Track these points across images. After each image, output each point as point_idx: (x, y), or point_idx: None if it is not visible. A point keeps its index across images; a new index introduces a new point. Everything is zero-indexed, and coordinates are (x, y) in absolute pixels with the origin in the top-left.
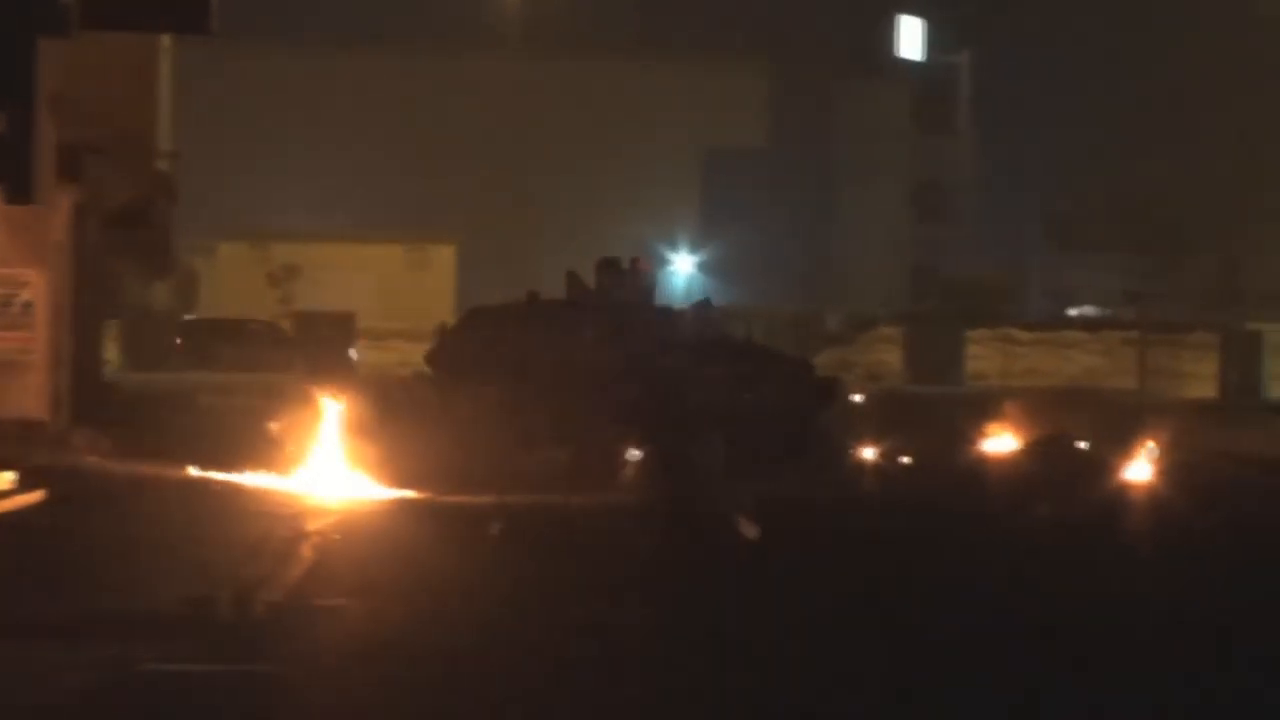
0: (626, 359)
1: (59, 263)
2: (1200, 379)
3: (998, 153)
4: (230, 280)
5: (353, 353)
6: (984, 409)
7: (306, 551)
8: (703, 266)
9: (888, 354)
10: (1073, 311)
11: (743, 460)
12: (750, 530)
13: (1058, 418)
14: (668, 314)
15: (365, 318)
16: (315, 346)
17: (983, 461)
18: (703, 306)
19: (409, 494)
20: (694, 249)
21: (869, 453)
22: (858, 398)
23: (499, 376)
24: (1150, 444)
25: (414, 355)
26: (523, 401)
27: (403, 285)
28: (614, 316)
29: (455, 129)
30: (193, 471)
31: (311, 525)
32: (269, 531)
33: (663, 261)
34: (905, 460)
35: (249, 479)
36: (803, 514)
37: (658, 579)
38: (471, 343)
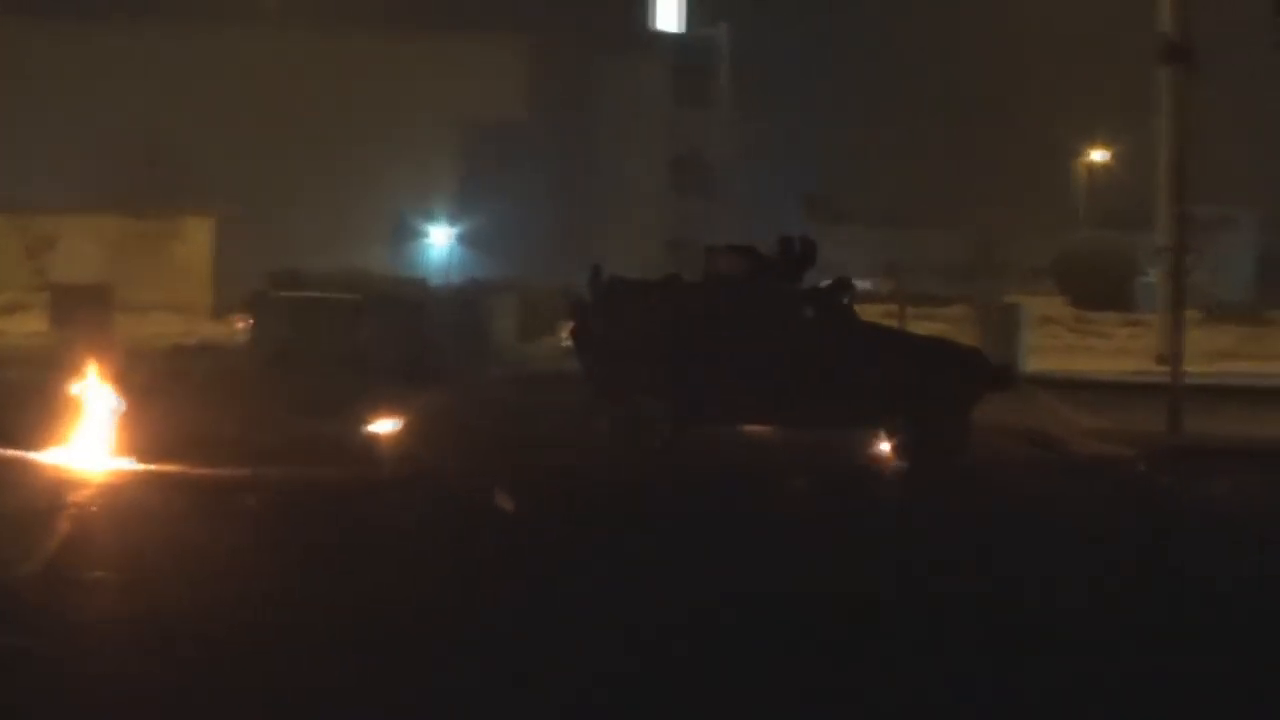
0: (828, 343)
1: None
2: None
3: (758, 127)
4: None
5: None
6: None
7: (63, 524)
8: (461, 238)
9: None
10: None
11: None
12: (505, 502)
13: None
14: (824, 295)
15: (123, 289)
16: (72, 318)
17: None
18: (845, 287)
19: (170, 467)
20: (452, 221)
21: None
22: None
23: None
24: None
25: (172, 325)
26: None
27: (160, 257)
28: (787, 299)
29: (212, 102)
30: None
31: (68, 497)
32: (25, 504)
33: (421, 234)
34: None
35: (5, 452)
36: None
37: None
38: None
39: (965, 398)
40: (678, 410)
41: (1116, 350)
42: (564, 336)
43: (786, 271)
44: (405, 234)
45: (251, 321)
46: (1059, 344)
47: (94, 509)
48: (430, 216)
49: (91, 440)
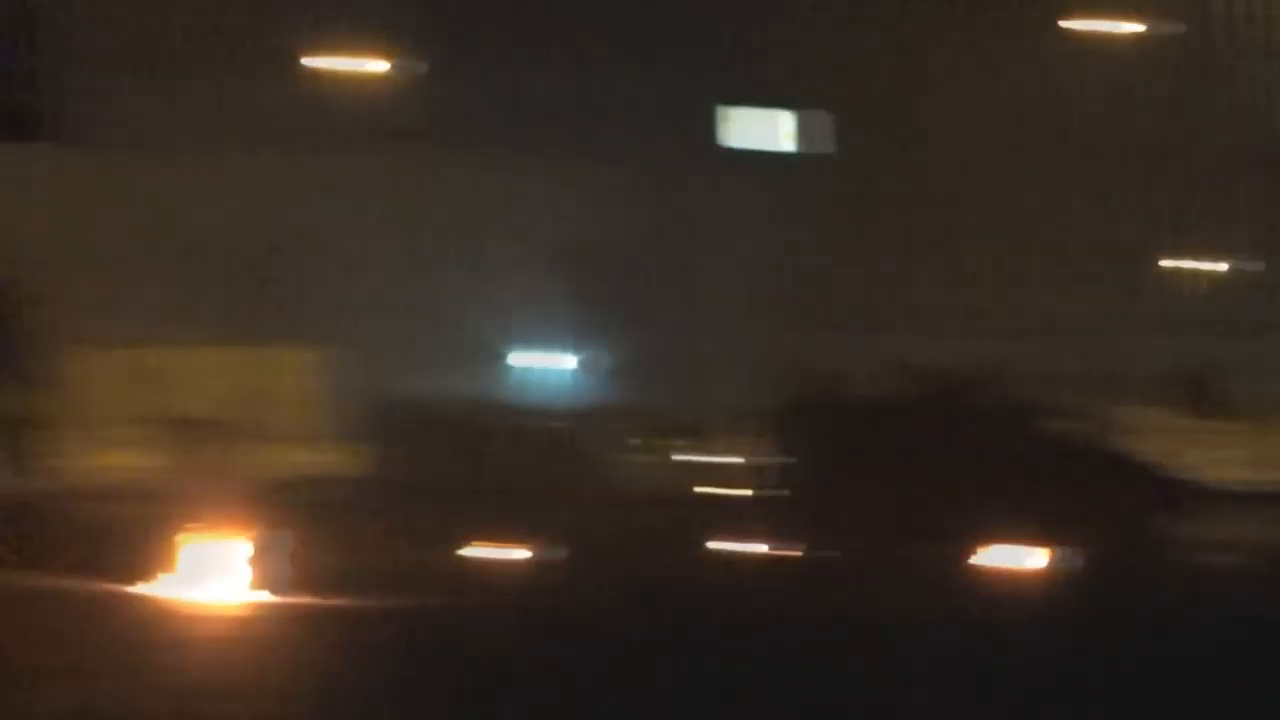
0: None
1: None
2: None
3: (857, 246)
4: (95, 386)
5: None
6: None
7: (182, 658)
8: (572, 364)
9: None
10: None
11: None
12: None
13: None
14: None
15: (237, 421)
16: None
17: None
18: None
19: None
20: (562, 348)
21: None
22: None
23: None
24: None
25: (283, 457)
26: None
27: (269, 389)
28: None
29: (311, 230)
30: (61, 580)
31: (189, 630)
32: (142, 639)
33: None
34: None
35: (116, 588)
36: None
37: None
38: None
39: None
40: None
41: None
42: None
43: None
44: (507, 360)
45: (357, 452)
46: None
47: (201, 643)
48: (540, 342)
49: (208, 573)
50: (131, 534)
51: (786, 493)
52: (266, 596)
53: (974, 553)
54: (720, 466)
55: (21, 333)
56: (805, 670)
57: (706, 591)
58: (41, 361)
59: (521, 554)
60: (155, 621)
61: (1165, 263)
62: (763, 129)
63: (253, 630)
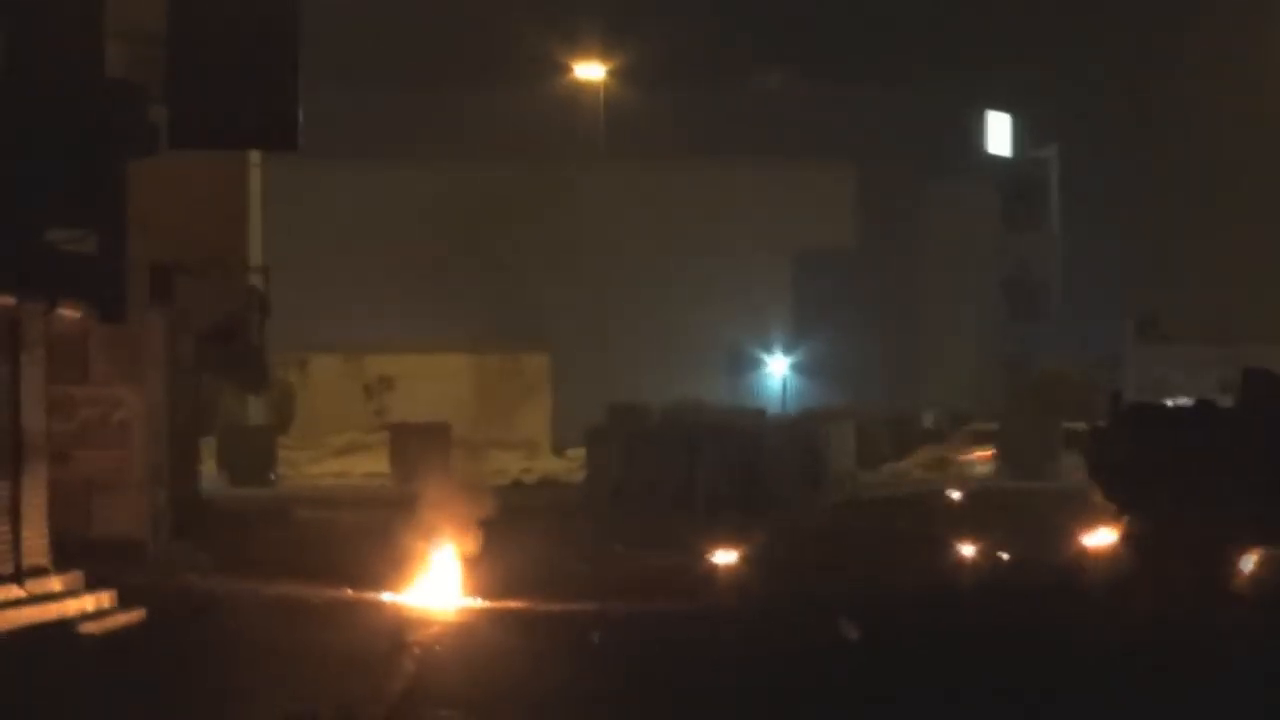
0: None
1: (153, 380)
2: None
3: (1087, 248)
4: (324, 394)
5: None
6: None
7: (408, 664)
8: (795, 367)
9: (983, 451)
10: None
11: None
12: (851, 630)
13: None
14: None
15: (462, 428)
16: (412, 457)
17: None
18: None
19: (514, 604)
20: (786, 350)
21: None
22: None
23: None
24: None
25: (510, 463)
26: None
27: (499, 395)
28: None
29: (541, 237)
30: (293, 587)
31: (413, 636)
32: (370, 645)
33: (758, 364)
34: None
35: (350, 593)
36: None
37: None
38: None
39: None
40: (1215, 536)
41: None
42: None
43: None
44: (741, 364)
45: (587, 457)
46: None
47: (438, 648)
48: (765, 345)
49: (436, 579)
50: (360, 540)
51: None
52: (489, 601)
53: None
54: (947, 466)
55: (255, 342)
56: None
57: (926, 594)
58: (275, 371)
59: (741, 558)
60: (381, 627)
61: None
62: (998, 132)
63: (475, 635)
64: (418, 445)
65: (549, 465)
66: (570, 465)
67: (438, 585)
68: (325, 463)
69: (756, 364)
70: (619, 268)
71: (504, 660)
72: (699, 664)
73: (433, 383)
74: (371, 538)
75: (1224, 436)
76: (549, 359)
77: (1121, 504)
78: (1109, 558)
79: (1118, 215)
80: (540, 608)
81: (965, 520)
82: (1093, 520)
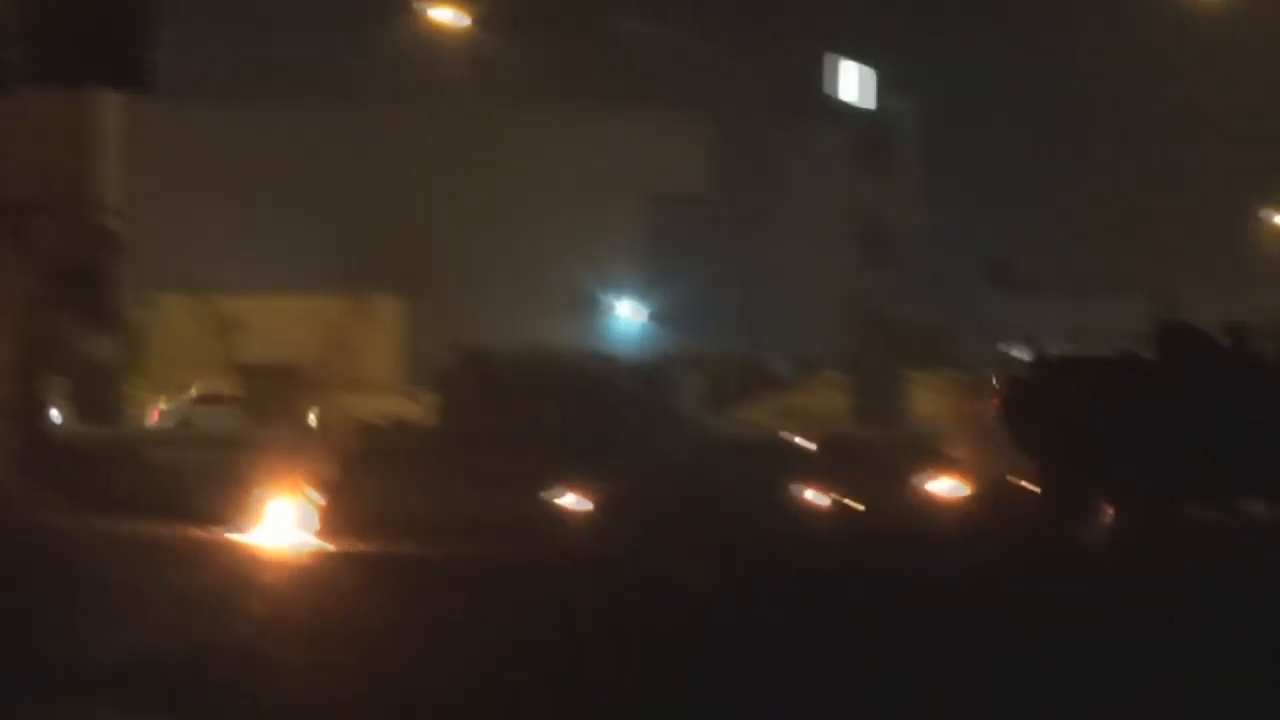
0: None
1: (2, 319)
2: None
3: (940, 198)
4: (176, 334)
5: (311, 418)
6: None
7: (258, 606)
8: (651, 313)
9: (833, 398)
10: (1023, 353)
11: None
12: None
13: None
14: None
15: (311, 370)
16: (263, 400)
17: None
18: None
19: (363, 547)
20: (640, 295)
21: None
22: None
23: None
24: None
25: (361, 406)
26: None
27: (350, 337)
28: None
29: (396, 180)
30: (143, 527)
31: (263, 578)
32: (220, 586)
33: (608, 308)
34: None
35: (200, 534)
36: None
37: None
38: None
39: None
40: (1149, 494)
41: None
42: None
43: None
44: (594, 309)
45: (437, 400)
46: None
47: (288, 590)
48: (617, 291)
49: (286, 521)
50: (211, 481)
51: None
52: (340, 544)
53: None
54: (795, 414)
55: (108, 281)
56: (870, 624)
57: (778, 540)
58: (126, 310)
59: (591, 502)
60: (232, 567)
61: None
62: (852, 81)
63: (324, 577)
64: (268, 387)
65: (401, 408)
66: (423, 409)
67: (288, 527)
68: (176, 402)
69: (609, 309)
70: (475, 212)
71: (351, 603)
72: (545, 609)
73: (284, 324)
74: (222, 479)
75: (1149, 390)
76: (402, 301)
77: (1041, 458)
78: (957, 507)
79: (974, 166)
80: (390, 551)
81: (814, 468)
82: (940, 469)
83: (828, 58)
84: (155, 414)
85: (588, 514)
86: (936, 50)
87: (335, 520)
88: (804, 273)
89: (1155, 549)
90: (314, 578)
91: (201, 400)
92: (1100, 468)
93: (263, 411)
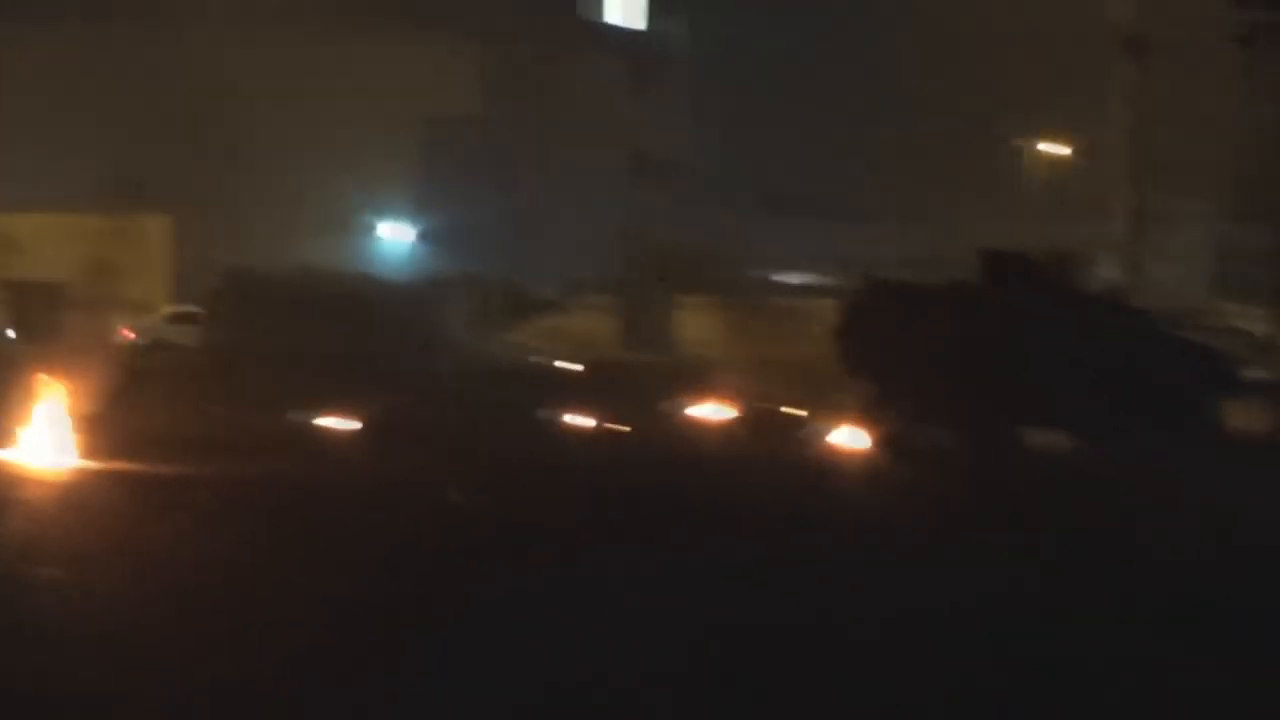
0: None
1: None
2: None
3: (714, 121)
4: None
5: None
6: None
7: (16, 521)
8: (419, 234)
9: (600, 323)
10: (791, 280)
11: None
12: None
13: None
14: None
15: (81, 288)
16: (30, 317)
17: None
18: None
19: (121, 465)
20: (411, 218)
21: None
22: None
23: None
24: None
25: (125, 326)
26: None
27: (119, 256)
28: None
29: (165, 98)
30: None
31: (21, 494)
32: None
33: (373, 229)
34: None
35: None
36: None
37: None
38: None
39: None
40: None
41: None
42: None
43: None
44: (362, 231)
45: (203, 320)
46: None
47: (45, 506)
48: (388, 213)
49: (47, 439)
50: None
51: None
52: (102, 462)
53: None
54: (562, 338)
55: None
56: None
57: (540, 462)
58: None
59: (352, 422)
60: None
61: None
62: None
63: (83, 495)
64: (34, 304)
65: (166, 328)
66: (185, 330)
67: (48, 444)
68: None
69: (379, 231)
70: (246, 133)
71: (109, 520)
72: (308, 528)
73: (54, 243)
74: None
75: (979, 317)
76: (170, 220)
77: (879, 383)
78: (721, 429)
79: (750, 91)
80: (149, 470)
81: (579, 391)
82: (703, 393)
83: None
84: None
85: (352, 434)
86: None
87: (98, 439)
88: (574, 197)
89: (996, 473)
90: (76, 496)
91: None
92: (940, 393)
93: (29, 329)
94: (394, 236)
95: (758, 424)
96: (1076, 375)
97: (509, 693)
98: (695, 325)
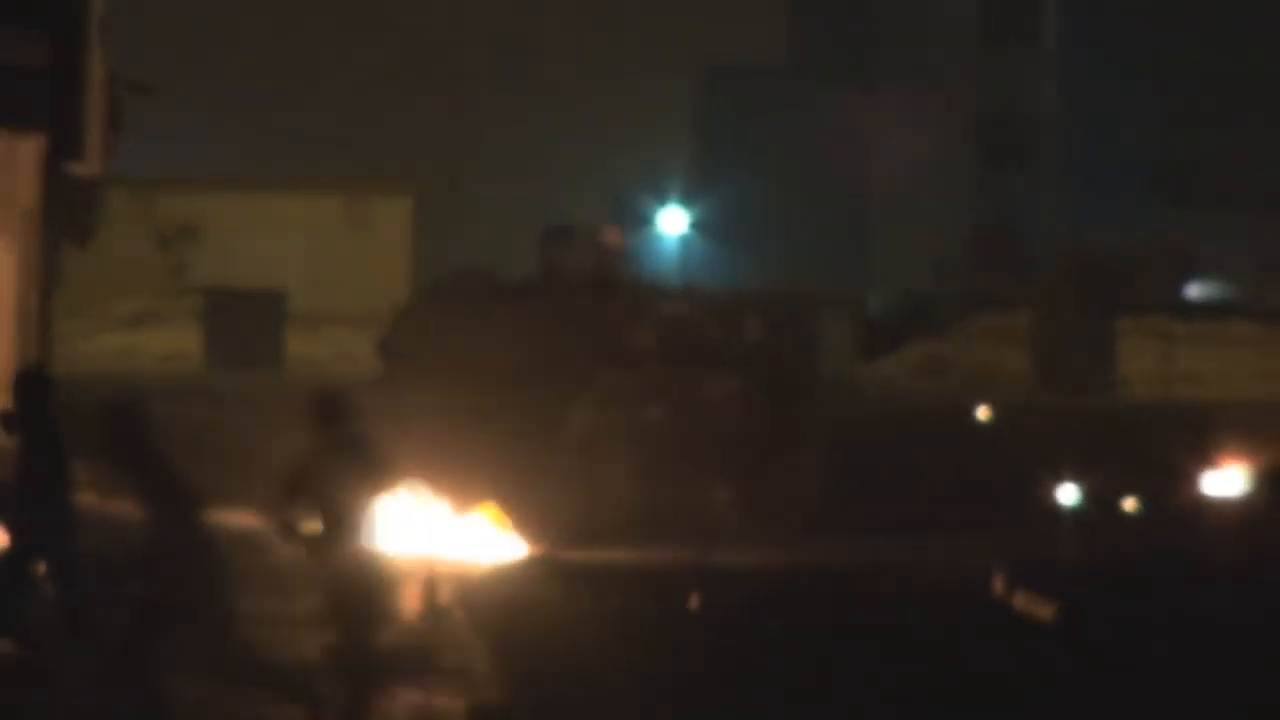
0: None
1: None
2: None
3: (1093, 76)
4: (104, 244)
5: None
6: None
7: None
8: (698, 226)
9: (995, 351)
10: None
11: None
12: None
13: None
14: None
15: (293, 296)
16: (232, 334)
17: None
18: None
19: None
20: (688, 201)
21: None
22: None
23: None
24: None
25: (358, 346)
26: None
27: (340, 251)
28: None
29: (399, 54)
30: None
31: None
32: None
33: (648, 220)
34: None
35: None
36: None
37: None
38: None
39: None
40: None
41: None
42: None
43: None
44: (627, 220)
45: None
46: None
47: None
48: (659, 197)
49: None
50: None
51: None
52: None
53: None
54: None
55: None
56: None
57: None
58: None
59: None
60: None
61: None
62: None
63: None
64: (239, 319)
65: None
66: None
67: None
68: (105, 337)
69: (647, 220)
70: (490, 92)
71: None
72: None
73: (252, 233)
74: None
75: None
76: (410, 204)
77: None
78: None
79: (1137, 35)
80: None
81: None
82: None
83: None
84: None
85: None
86: None
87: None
88: (910, 176)
89: None
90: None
91: None
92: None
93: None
94: (669, 228)
95: None
96: None
97: None
98: (1128, 357)
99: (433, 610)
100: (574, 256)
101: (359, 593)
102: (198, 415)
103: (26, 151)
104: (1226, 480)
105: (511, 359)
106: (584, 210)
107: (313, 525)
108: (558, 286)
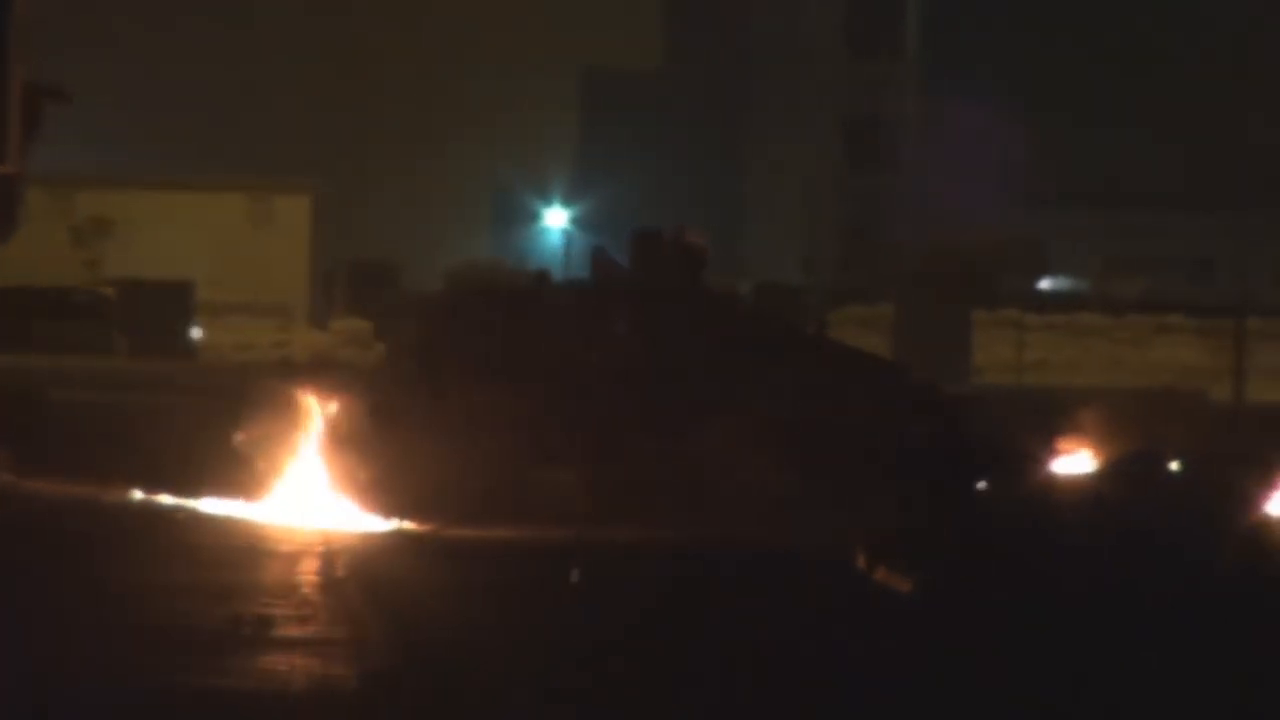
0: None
1: None
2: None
3: (951, 86)
4: (22, 237)
5: (196, 332)
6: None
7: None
8: (578, 222)
9: (860, 340)
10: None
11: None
12: (901, 582)
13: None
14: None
15: (201, 287)
16: (143, 323)
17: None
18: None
19: (415, 526)
20: (568, 199)
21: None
22: None
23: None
24: None
25: (259, 334)
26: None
27: (243, 245)
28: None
29: (292, 52)
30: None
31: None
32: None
33: (532, 216)
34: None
35: (194, 502)
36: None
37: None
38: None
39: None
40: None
41: None
42: None
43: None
44: (513, 216)
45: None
46: None
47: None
48: (543, 195)
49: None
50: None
51: None
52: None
53: None
54: None
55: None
56: None
57: None
58: None
59: None
60: None
61: None
62: None
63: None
64: (149, 309)
65: (310, 338)
66: (336, 340)
67: (313, 499)
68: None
69: (531, 216)
70: (377, 91)
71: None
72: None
73: (161, 227)
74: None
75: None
76: (309, 201)
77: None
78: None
79: (990, 46)
80: (460, 532)
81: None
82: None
83: None
84: None
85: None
86: None
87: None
88: (778, 176)
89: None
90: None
91: None
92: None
93: (142, 342)
94: (551, 223)
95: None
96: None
97: None
98: (982, 346)
99: (328, 581)
100: (662, 259)
101: None
102: (113, 400)
103: None
104: (1075, 462)
105: (632, 361)
106: (475, 210)
107: None
108: (646, 288)
